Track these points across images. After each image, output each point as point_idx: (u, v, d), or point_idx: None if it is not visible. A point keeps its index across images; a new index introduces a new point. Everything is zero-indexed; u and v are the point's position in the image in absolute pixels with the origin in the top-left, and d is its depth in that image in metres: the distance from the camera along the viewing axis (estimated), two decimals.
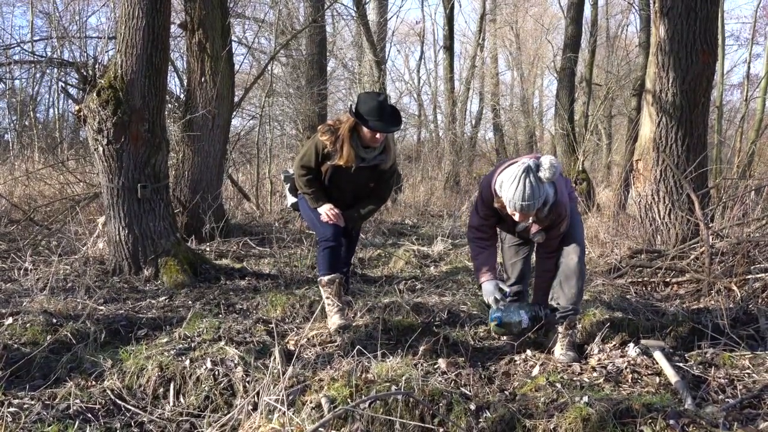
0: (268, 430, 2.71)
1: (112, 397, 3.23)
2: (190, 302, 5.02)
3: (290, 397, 2.98)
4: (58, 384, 3.34)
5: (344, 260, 4.83)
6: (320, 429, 2.65)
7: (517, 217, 3.66)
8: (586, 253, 6.56)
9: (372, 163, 4.42)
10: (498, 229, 4.21)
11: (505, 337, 4.18)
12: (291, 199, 4.94)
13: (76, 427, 2.90)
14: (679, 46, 6.32)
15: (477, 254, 4.02)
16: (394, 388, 3.04)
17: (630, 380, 3.44)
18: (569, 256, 3.91)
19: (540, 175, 3.52)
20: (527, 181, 3.48)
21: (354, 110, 4.23)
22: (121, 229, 5.67)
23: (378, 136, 4.25)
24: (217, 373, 3.39)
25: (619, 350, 3.80)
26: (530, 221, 3.81)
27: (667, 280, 5.51)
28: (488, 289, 3.91)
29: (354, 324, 4.32)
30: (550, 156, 3.61)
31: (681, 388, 3.22)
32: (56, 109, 18.83)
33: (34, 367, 3.52)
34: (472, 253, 4.10)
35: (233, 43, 9.45)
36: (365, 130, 4.24)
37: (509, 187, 3.52)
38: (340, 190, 4.51)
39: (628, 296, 5.16)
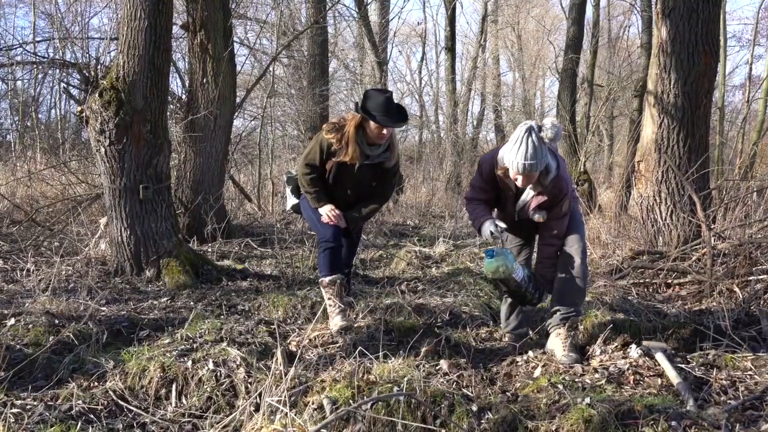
0: (270, 431, 2.71)
1: (115, 398, 3.23)
2: (191, 303, 5.03)
3: (292, 398, 2.98)
4: (61, 385, 3.34)
5: (345, 261, 4.83)
6: (322, 430, 2.65)
7: (520, 181, 3.67)
8: (588, 254, 6.57)
9: (376, 160, 4.43)
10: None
11: (495, 282, 4.08)
12: (291, 201, 4.94)
13: (78, 427, 2.90)
14: (680, 48, 6.32)
15: (473, 210, 4.01)
16: (396, 389, 3.04)
17: (632, 382, 3.43)
18: (571, 257, 3.91)
19: (542, 135, 3.57)
20: (530, 140, 3.54)
21: (361, 106, 4.25)
22: (123, 229, 5.67)
23: (384, 132, 4.26)
24: (219, 374, 3.39)
25: (621, 351, 3.79)
26: (530, 196, 3.81)
27: (669, 281, 5.51)
28: (485, 226, 3.87)
29: (356, 325, 4.32)
30: (551, 117, 3.65)
31: (683, 389, 3.22)
32: (58, 110, 18.84)
33: (37, 368, 3.52)
34: (470, 214, 4.08)
35: (235, 44, 9.45)
36: (371, 126, 4.25)
37: (512, 148, 3.58)
38: (343, 189, 4.51)
39: (629, 297, 5.15)
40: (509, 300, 4.38)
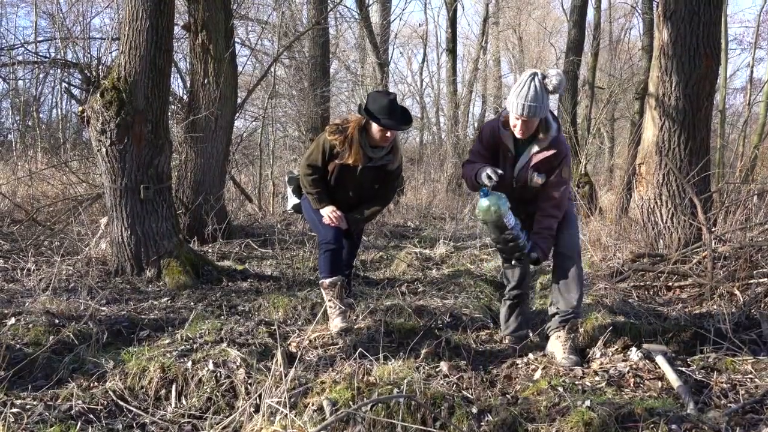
0: None
1: (114, 398, 3.23)
2: (192, 304, 5.02)
3: (292, 400, 2.98)
4: (60, 385, 3.34)
5: (346, 262, 4.83)
6: None
7: (519, 129, 3.70)
8: (589, 256, 6.57)
9: (379, 163, 4.43)
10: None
11: (486, 225, 3.93)
12: (292, 201, 4.93)
13: (78, 428, 2.90)
14: (682, 50, 6.31)
15: (471, 167, 3.94)
16: (395, 390, 3.04)
17: (632, 384, 3.43)
18: (566, 260, 3.90)
19: (546, 82, 3.62)
20: (533, 84, 3.60)
21: (364, 108, 4.24)
22: (123, 229, 5.67)
23: (388, 134, 4.26)
24: (219, 374, 3.39)
25: (622, 354, 3.79)
26: (531, 153, 3.82)
27: (670, 284, 5.50)
28: (482, 170, 3.77)
29: (356, 326, 4.32)
30: (556, 69, 3.72)
31: (683, 392, 3.22)
32: (59, 110, 18.85)
33: (37, 368, 3.52)
34: (467, 172, 3.98)
35: (236, 44, 9.45)
36: (375, 129, 4.24)
37: (515, 91, 3.64)
38: (345, 190, 4.51)
39: (630, 300, 5.15)
40: (507, 303, 4.36)
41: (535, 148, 3.82)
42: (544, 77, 3.64)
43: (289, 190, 4.95)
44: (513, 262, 4.05)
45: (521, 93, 3.61)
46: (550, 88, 3.63)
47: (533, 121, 3.70)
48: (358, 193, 4.54)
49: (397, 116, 4.25)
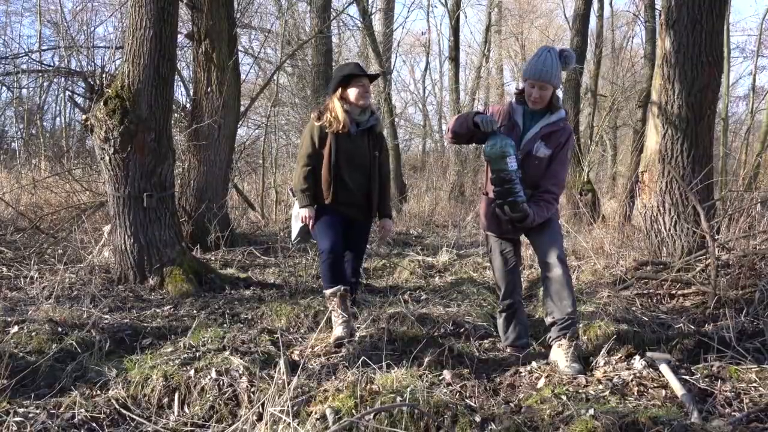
0: None
1: (117, 406, 3.23)
2: (194, 312, 5.02)
3: (295, 408, 2.97)
4: (63, 393, 3.34)
5: (353, 269, 4.81)
6: None
7: (533, 98, 3.91)
8: (592, 264, 6.56)
9: (368, 125, 4.64)
10: (489, 239, 4.24)
11: (489, 163, 4.00)
12: (296, 228, 4.84)
13: None
14: (684, 58, 6.32)
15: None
16: (399, 399, 3.03)
17: (636, 393, 3.42)
18: (553, 268, 3.90)
19: (558, 50, 3.93)
20: (547, 52, 3.89)
21: (333, 77, 4.64)
22: (126, 238, 5.68)
23: (365, 89, 4.53)
24: (221, 383, 3.39)
25: (625, 363, 3.77)
26: (540, 127, 3.96)
27: (673, 292, 5.49)
28: (478, 116, 3.94)
29: (358, 335, 4.31)
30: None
31: (687, 401, 3.20)
32: (63, 118, 18.95)
33: (40, 376, 3.52)
34: (457, 119, 4.13)
35: (239, 53, 9.50)
36: (351, 93, 4.51)
37: (530, 60, 3.95)
38: (352, 167, 4.55)
39: (633, 308, 5.14)
40: (503, 315, 4.35)
41: (545, 122, 4.01)
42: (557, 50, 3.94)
43: (293, 221, 4.89)
44: (505, 209, 3.92)
45: (537, 59, 3.88)
46: (564, 55, 3.90)
47: (547, 90, 3.90)
48: (364, 168, 4.61)
49: (363, 69, 4.66)
